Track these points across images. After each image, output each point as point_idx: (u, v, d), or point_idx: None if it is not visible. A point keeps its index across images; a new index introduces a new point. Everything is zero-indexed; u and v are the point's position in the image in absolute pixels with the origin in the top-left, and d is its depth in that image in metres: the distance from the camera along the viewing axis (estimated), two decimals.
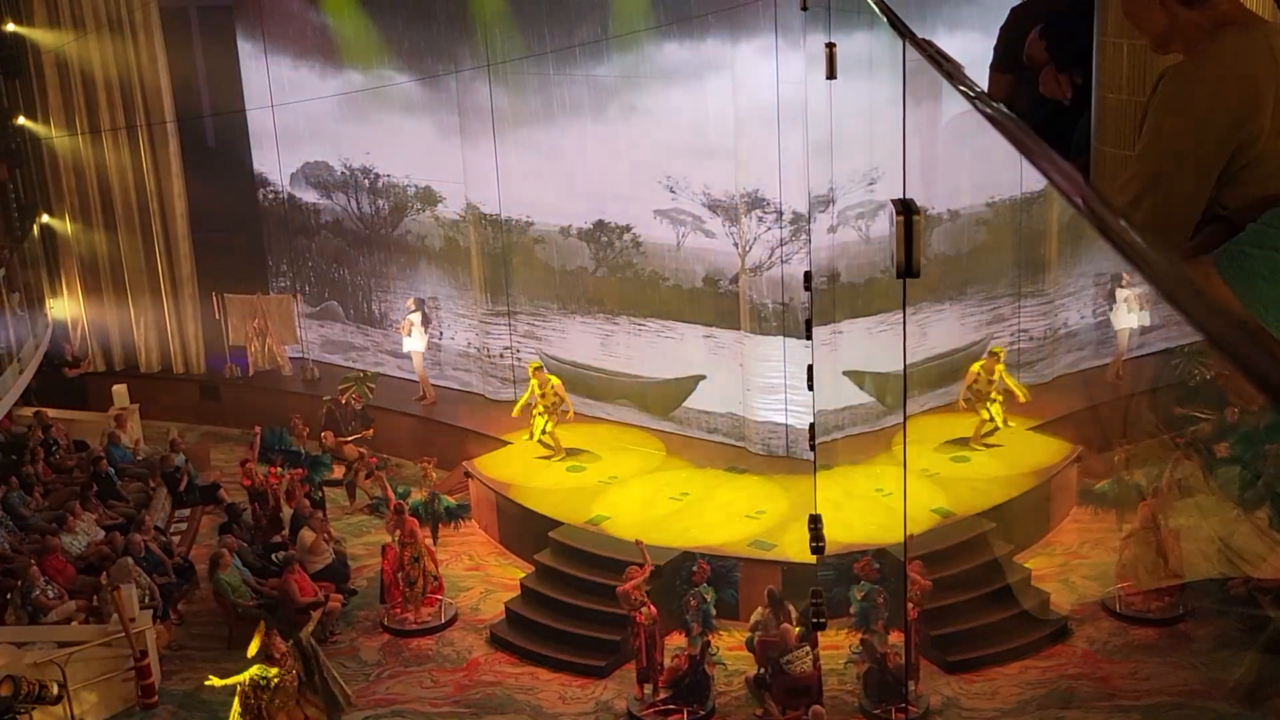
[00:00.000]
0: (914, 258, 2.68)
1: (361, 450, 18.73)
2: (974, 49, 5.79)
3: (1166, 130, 2.65)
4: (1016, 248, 17.66)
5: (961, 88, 2.34)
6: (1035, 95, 4.71)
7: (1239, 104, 2.55)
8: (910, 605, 12.69)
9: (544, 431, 17.65)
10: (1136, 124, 3.02)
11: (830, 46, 6.45)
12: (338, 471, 18.67)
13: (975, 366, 16.12)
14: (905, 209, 2.69)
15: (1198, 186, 2.62)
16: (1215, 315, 1.20)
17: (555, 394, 17.68)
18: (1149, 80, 3.64)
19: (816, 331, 13.77)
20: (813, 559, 12.02)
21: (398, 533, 15.40)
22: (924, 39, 3.21)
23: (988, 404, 16.00)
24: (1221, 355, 1.15)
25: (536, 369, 17.91)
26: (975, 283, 17.52)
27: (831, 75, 6.30)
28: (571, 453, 17.65)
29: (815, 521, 7.56)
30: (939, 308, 17.08)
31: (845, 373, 16.30)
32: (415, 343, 19.75)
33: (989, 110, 2.11)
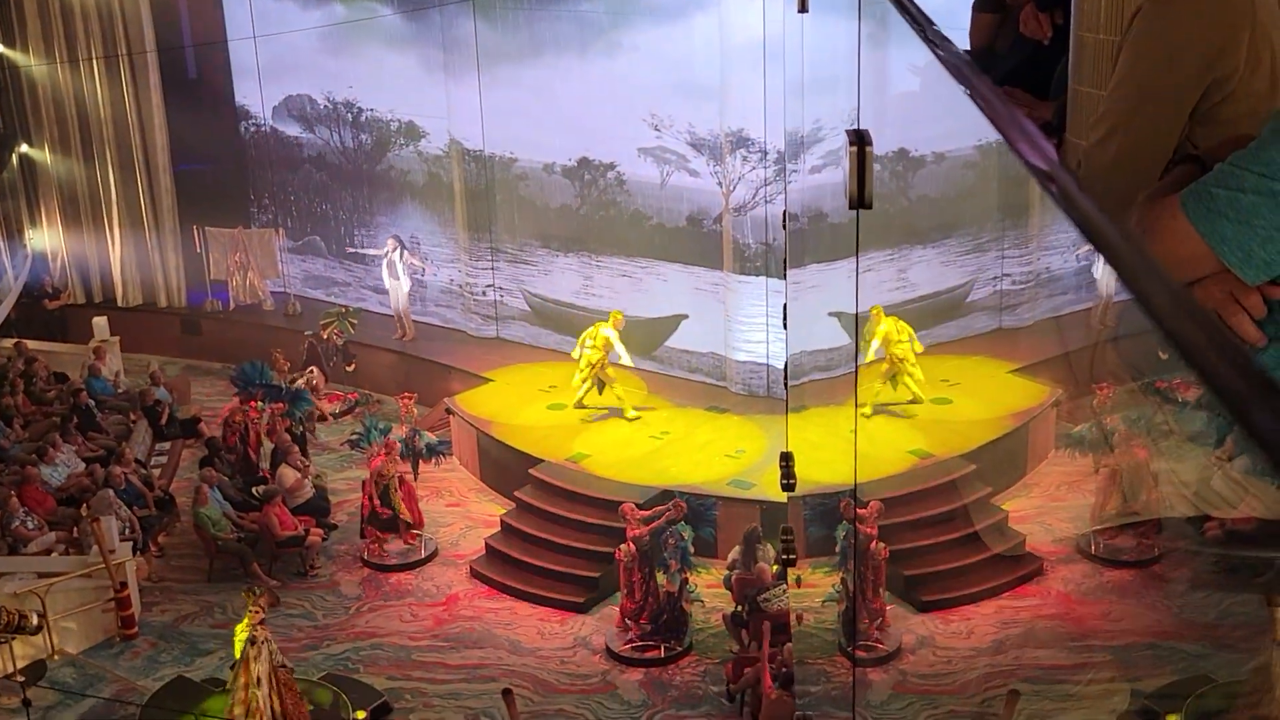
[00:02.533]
0: (866, 188, 2.67)
1: (317, 384, 18.71)
2: None
3: (1140, 66, 2.63)
4: (1002, 191, 17.63)
5: (923, 30, 2.31)
6: (1017, 35, 4.68)
7: (1215, 40, 2.53)
8: (875, 544, 12.78)
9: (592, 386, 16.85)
10: (1113, 63, 2.99)
11: None
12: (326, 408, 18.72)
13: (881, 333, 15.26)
14: (859, 139, 2.68)
15: (1170, 124, 2.60)
16: (1174, 307, 1.18)
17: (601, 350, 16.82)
18: (1126, 19, 3.61)
19: (799, 272, 13.75)
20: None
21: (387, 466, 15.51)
22: None
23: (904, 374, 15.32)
24: (1180, 353, 1.13)
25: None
26: (960, 225, 17.49)
27: (803, 9, 6.21)
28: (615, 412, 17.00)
29: (786, 459, 7.57)
30: (921, 250, 17.07)
31: (831, 314, 16.31)
32: (403, 281, 19.71)
33: (949, 58, 2.08)
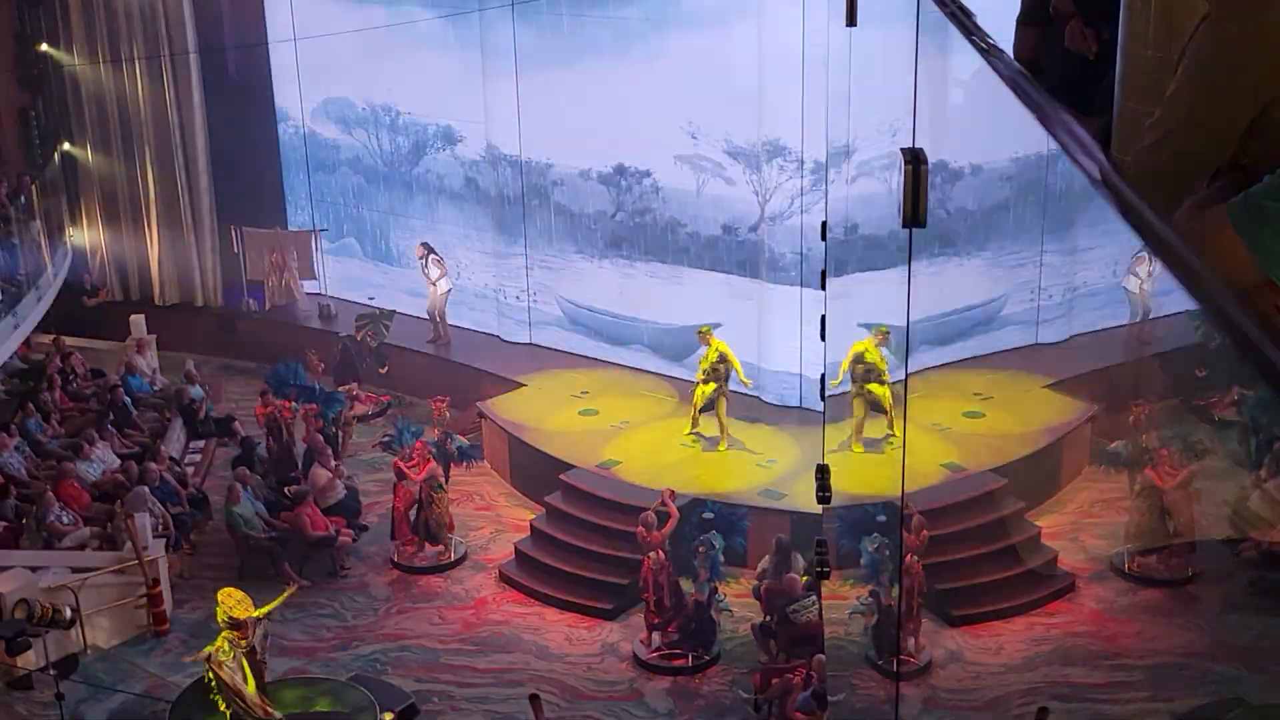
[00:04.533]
0: (920, 207, 2.65)
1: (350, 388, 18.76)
2: (1003, 3, 5.69)
3: (1202, 74, 2.59)
4: (1039, 204, 17.49)
5: (977, 40, 2.30)
6: (1061, 49, 4.64)
7: (1278, 53, 2.50)
8: (910, 557, 12.64)
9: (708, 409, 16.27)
10: (1161, 78, 2.95)
11: None
12: (358, 409, 18.77)
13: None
14: (914, 158, 2.66)
15: (1226, 134, 2.57)
16: (1218, 294, 1.19)
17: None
18: (1175, 35, 3.57)
19: (833, 282, 13.64)
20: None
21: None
22: None
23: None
24: (1223, 334, 1.14)
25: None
26: (995, 238, 17.36)
27: (851, 22, 6.19)
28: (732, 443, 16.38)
29: (822, 472, 7.55)
30: (957, 262, 16.97)
31: (860, 324, 16.19)
32: (444, 283, 19.72)
33: (1002, 68, 2.07)
